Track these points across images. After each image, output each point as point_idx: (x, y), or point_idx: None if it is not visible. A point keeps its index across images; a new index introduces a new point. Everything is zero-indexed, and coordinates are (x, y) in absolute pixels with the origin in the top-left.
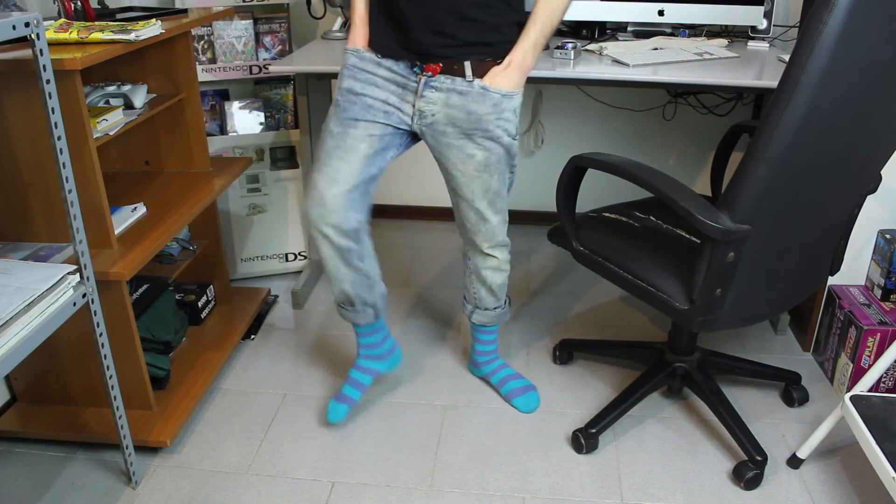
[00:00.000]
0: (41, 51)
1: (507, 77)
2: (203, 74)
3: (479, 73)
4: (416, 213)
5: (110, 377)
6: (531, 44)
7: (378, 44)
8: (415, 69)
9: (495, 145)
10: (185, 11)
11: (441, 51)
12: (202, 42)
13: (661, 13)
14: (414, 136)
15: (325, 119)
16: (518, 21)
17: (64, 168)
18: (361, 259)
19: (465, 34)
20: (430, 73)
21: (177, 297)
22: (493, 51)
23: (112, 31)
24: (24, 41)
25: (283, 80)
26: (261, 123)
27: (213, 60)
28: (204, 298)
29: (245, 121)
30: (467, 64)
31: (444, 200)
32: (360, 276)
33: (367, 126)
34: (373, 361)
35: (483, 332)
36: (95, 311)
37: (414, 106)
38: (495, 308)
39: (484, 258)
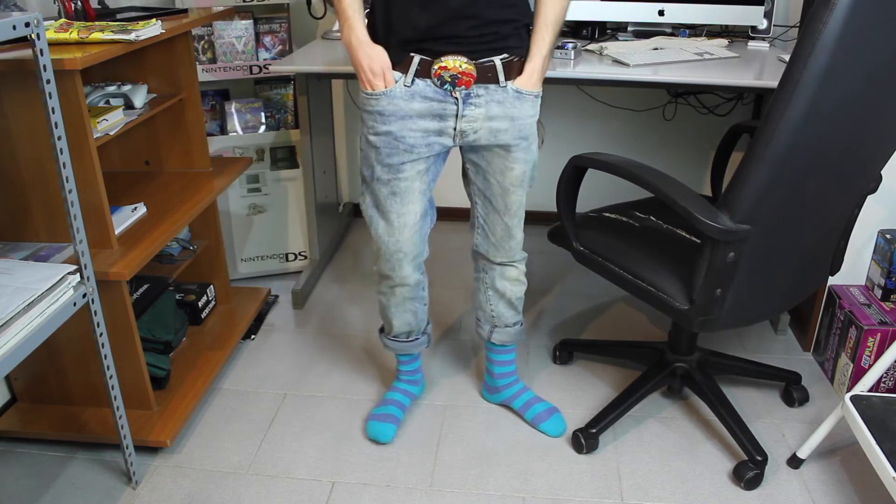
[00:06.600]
0: (41, 51)
1: (534, 83)
2: (203, 74)
3: (509, 75)
4: None
5: (110, 377)
6: (549, 49)
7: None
8: (445, 87)
9: (531, 156)
10: (185, 11)
11: (475, 40)
12: (202, 42)
13: (661, 13)
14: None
15: (365, 156)
16: (525, 20)
17: (64, 168)
18: (425, 288)
19: (491, 36)
20: (463, 87)
21: (177, 297)
22: (515, 50)
23: (112, 31)
24: (24, 41)
25: (284, 80)
26: (261, 123)
27: (213, 60)
28: (204, 298)
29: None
30: (499, 65)
31: (445, 200)
32: (422, 305)
33: (414, 164)
34: (412, 386)
35: (503, 352)
36: (95, 311)
37: (455, 128)
38: (515, 324)
39: (502, 268)
